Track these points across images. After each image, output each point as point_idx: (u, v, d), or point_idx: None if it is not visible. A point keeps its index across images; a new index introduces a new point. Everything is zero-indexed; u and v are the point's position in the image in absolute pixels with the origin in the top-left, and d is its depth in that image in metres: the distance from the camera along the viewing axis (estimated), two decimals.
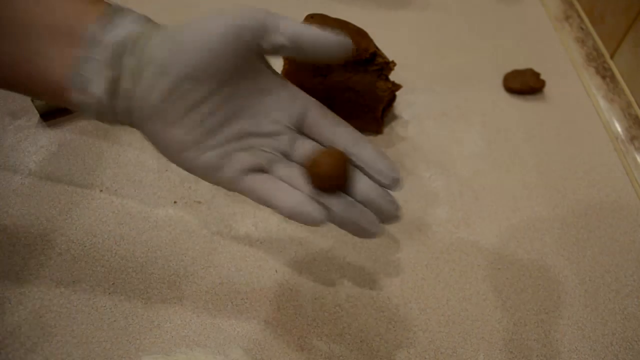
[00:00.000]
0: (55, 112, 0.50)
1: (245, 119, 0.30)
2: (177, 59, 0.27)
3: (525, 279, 0.42)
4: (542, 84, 0.56)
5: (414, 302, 0.40)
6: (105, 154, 0.48)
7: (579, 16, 0.64)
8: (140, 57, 0.27)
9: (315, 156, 0.30)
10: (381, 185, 0.31)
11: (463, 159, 0.50)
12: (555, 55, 0.61)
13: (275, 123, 0.31)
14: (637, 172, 0.49)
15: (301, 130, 0.32)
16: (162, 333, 0.38)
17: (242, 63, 0.29)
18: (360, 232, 0.30)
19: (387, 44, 0.49)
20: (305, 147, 0.31)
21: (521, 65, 0.58)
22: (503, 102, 0.55)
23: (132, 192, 0.45)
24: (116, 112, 0.29)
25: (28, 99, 0.50)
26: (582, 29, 0.63)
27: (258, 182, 0.30)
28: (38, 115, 0.50)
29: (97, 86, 0.28)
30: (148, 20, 0.29)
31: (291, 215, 0.29)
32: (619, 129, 0.53)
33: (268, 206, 0.30)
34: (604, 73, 0.57)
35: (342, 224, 0.30)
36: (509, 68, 0.58)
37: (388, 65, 0.46)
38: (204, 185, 0.46)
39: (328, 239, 0.43)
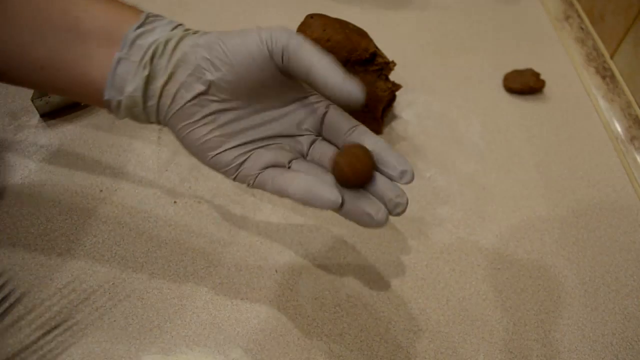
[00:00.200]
0: (55, 112, 0.50)
1: (268, 125, 0.32)
2: (207, 68, 0.29)
3: (525, 279, 0.42)
4: (542, 84, 0.56)
5: (414, 302, 0.40)
6: (105, 154, 0.48)
7: (579, 16, 0.64)
8: (172, 60, 0.29)
9: (342, 155, 0.29)
10: (391, 178, 0.31)
11: (463, 159, 0.50)
12: (555, 55, 0.61)
13: (297, 128, 0.32)
14: (637, 172, 0.49)
15: (320, 133, 0.33)
16: (162, 333, 0.38)
17: (268, 78, 0.30)
18: (367, 221, 0.30)
19: (387, 44, 0.49)
20: (322, 148, 0.32)
21: (521, 65, 0.58)
22: (503, 102, 0.55)
23: (132, 192, 0.45)
24: (148, 111, 0.30)
25: (28, 99, 0.50)
26: (582, 29, 0.63)
27: (274, 173, 0.31)
28: (38, 115, 0.50)
29: (132, 86, 0.29)
30: (181, 25, 0.31)
31: (305, 198, 0.29)
32: (619, 129, 0.53)
33: (283, 195, 0.30)
34: (604, 73, 0.57)
35: (350, 212, 0.30)
36: (509, 68, 0.58)
37: (388, 65, 0.46)
38: (204, 185, 0.46)
39: (328, 239, 0.43)
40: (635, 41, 0.53)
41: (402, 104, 0.54)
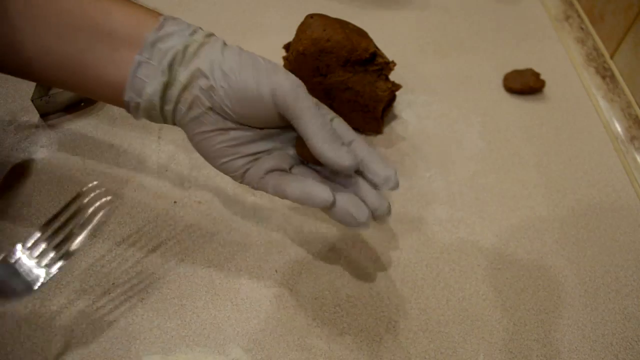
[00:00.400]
0: (55, 112, 0.50)
1: (276, 137, 0.34)
2: (217, 96, 0.31)
3: (525, 279, 0.42)
4: (542, 84, 0.56)
5: (414, 302, 0.40)
6: (105, 154, 0.48)
7: (579, 16, 0.64)
8: (190, 69, 0.31)
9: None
10: (375, 184, 0.33)
11: (463, 159, 0.50)
12: (555, 55, 0.61)
13: None
14: (637, 172, 0.49)
15: None
16: (162, 333, 0.38)
17: (273, 115, 0.32)
18: (350, 221, 0.32)
19: (387, 44, 0.49)
20: None
21: (521, 65, 0.58)
22: (503, 102, 0.55)
23: (132, 192, 0.45)
24: (165, 115, 0.32)
25: (28, 99, 0.50)
26: (582, 28, 0.63)
27: (276, 176, 0.33)
28: (38, 115, 0.50)
29: (151, 89, 0.31)
30: (199, 29, 0.32)
31: (301, 198, 0.31)
32: (619, 129, 0.53)
33: (282, 196, 0.33)
34: (604, 73, 0.57)
35: (336, 212, 0.32)
36: (509, 68, 0.58)
37: (388, 65, 0.46)
38: (204, 185, 0.46)
39: (328, 239, 0.43)
40: (635, 41, 0.53)
41: (402, 104, 0.54)
